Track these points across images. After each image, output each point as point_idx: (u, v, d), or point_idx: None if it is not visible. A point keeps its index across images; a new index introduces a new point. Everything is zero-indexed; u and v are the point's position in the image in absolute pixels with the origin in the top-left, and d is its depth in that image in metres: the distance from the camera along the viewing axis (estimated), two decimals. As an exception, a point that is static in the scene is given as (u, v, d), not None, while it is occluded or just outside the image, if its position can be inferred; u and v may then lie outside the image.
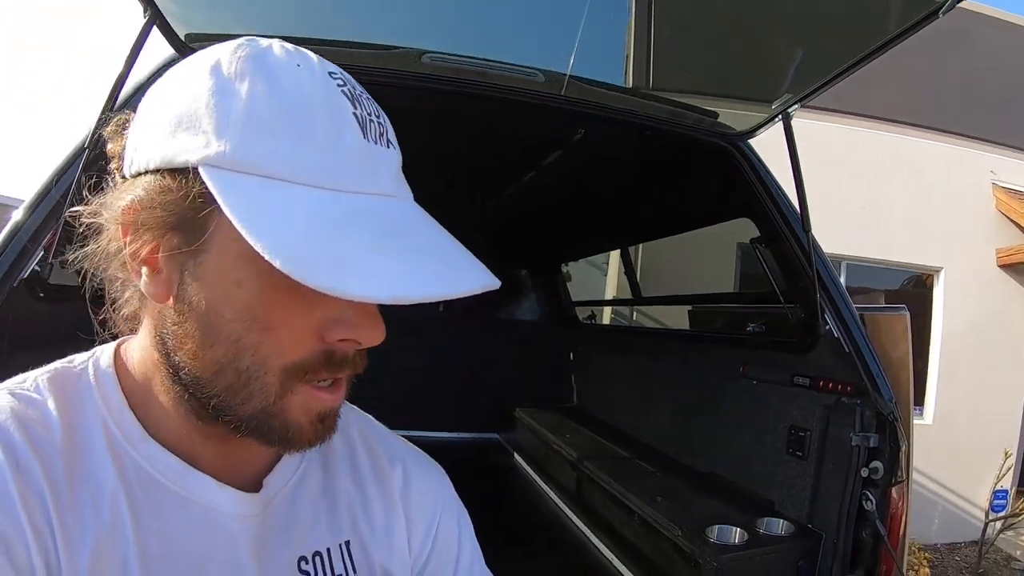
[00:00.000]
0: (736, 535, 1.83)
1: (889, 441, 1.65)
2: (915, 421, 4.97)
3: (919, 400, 5.63)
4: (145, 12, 1.38)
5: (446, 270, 0.45)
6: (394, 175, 0.49)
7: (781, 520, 1.88)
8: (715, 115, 1.92)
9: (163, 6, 1.37)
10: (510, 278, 4.60)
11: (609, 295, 5.18)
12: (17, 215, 1.39)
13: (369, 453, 0.65)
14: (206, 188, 0.43)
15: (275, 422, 0.48)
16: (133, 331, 0.55)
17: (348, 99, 0.46)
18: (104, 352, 0.55)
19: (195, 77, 0.45)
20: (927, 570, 4.43)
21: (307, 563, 0.56)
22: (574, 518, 2.70)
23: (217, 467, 0.53)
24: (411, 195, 0.51)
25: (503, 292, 4.24)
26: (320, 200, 0.43)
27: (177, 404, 0.50)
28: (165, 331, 0.48)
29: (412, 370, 3.53)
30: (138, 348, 0.53)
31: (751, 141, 1.95)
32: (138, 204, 0.46)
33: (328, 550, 0.58)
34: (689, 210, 2.69)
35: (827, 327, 1.78)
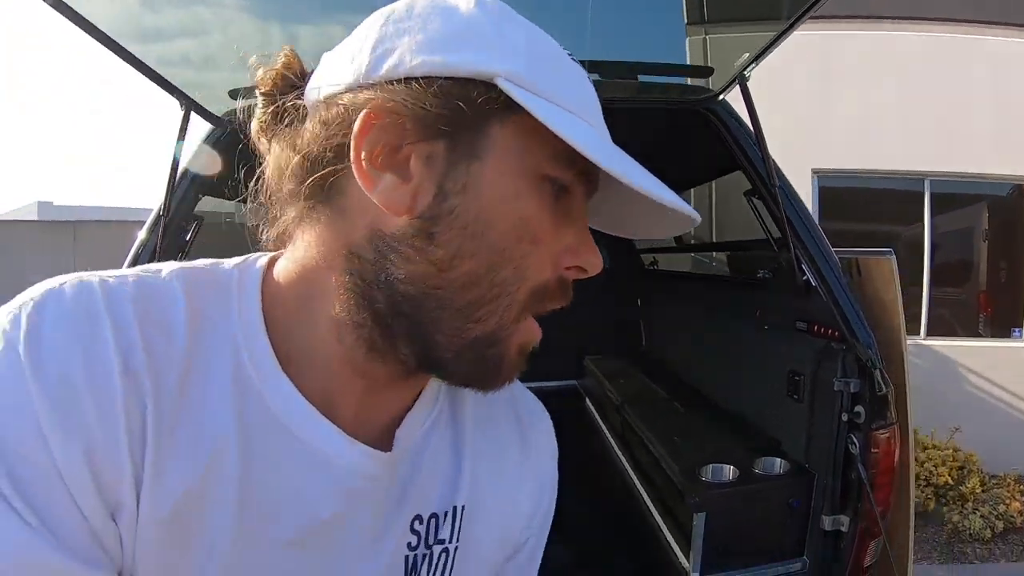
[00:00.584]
0: (729, 473, 1.92)
1: (869, 387, 1.66)
2: (1011, 343, 4.69)
3: (1016, 321, 5.25)
4: (181, 105, 1.74)
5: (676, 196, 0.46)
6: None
7: (779, 460, 1.95)
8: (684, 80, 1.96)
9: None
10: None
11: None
12: (141, 234, 1.78)
13: (511, 405, 0.63)
14: (487, 99, 0.43)
15: (494, 350, 0.47)
16: (276, 250, 0.52)
17: (572, 57, 0.49)
18: (257, 261, 0.51)
19: (458, 4, 0.46)
20: (1018, 503, 4.22)
21: (420, 523, 0.54)
22: (620, 455, 2.87)
23: (350, 416, 0.49)
24: None
25: None
26: (588, 127, 0.45)
27: (344, 335, 0.47)
28: (385, 244, 0.45)
29: None
30: (295, 270, 0.48)
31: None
32: (394, 108, 0.43)
33: (445, 513, 0.56)
34: (689, 170, 2.79)
35: (804, 276, 1.79)
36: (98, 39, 1.42)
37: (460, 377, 0.49)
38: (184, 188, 1.85)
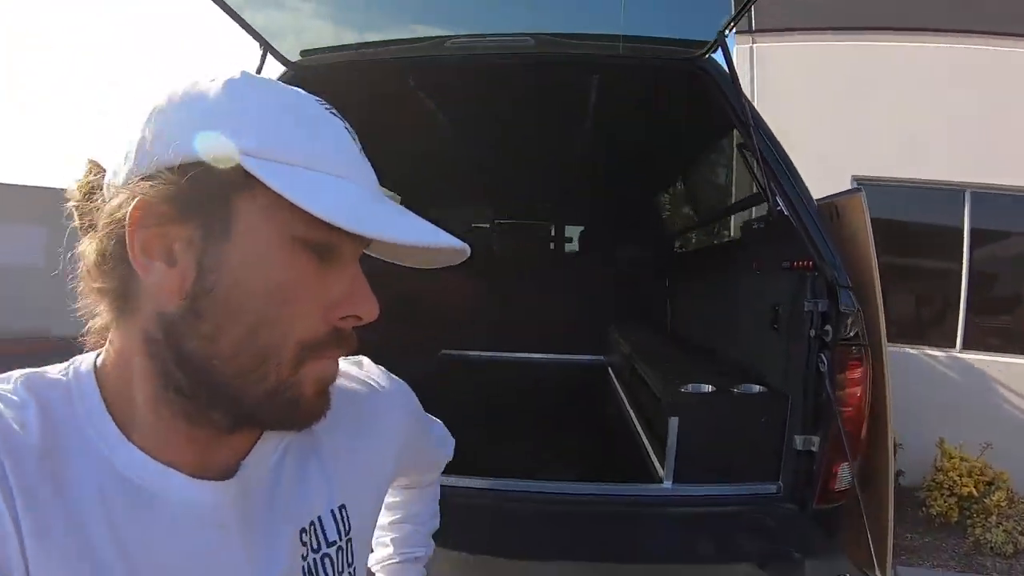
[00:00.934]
0: (707, 388, 2.03)
1: (835, 306, 1.76)
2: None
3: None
4: (261, 47, 2.15)
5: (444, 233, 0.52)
6: (370, 171, 0.56)
7: (758, 386, 2.04)
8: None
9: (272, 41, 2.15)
10: (611, 214, 5.08)
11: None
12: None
13: (345, 392, 0.67)
14: (231, 177, 0.47)
15: (286, 396, 0.51)
16: (98, 345, 0.55)
17: (327, 110, 0.54)
18: (84, 360, 0.54)
19: (198, 88, 0.50)
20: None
21: (307, 534, 0.59)
22: (625, 401, 2.99)
23: (196, 466, 0.53)
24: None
25: (607, 227, 4.66)
26: (337, 181, 0.49)
27: (161, 408, 0.51)
28: (169, 326, 0.49)
29: (533, 305, 4.43)
30: (113, 358, 0.52)
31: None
32: (154, 199, 0.47)
33: (320, 518, 0.60)
34: (685, 132, 2.90)
35: (778, 207, 1.90)
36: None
37: (272, 424, 0.55)
38: None
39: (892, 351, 4.96)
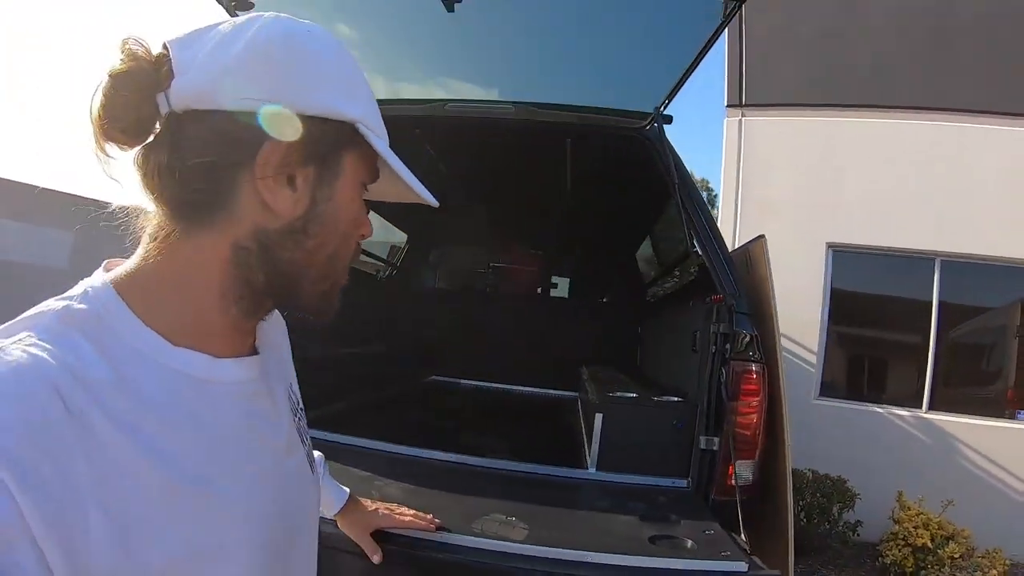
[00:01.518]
0: (630, 395, 2.41)
1: (734, 326, 2.15)
2: (1014, 424, 4.82)
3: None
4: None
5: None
6: None
7: (676, 397, 2.41)
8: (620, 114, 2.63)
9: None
10: (596, 267, 5.60)
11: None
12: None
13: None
14: (347, 136, 0.62)
15: (332, 296, 0.68)
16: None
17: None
18: (93, 285, 0.58)
19: (332, 49, 0.64)
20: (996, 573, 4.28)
21: (292, 393, 0.78)
22: (581, 419, 3.38)
23: (234, 349, 0.64)
24: None
25: (592, 280, 5.23)
26: (386, 146, 0.66)
27: (228, 307, 0.62)
28: (267, 239, 0.60)
29: (518, 342, 5.03)
30: (169, 265, 0.59)
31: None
32: (296, 137, 0.58)
33: (291, 384, 0.79)
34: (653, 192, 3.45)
35: (694, 248, 2.32)
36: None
37: (310, 310, 0.68)
38: None
39: (858, 409, 5.30)
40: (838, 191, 5.66)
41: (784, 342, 5.71)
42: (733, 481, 2.18)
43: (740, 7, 1.85)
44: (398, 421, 3.38)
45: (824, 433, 5.43)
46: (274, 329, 0.78)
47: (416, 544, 1.44)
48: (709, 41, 2.01)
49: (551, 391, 4.94)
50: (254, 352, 0.69)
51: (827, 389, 5.78)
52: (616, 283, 5.68)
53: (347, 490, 1.28)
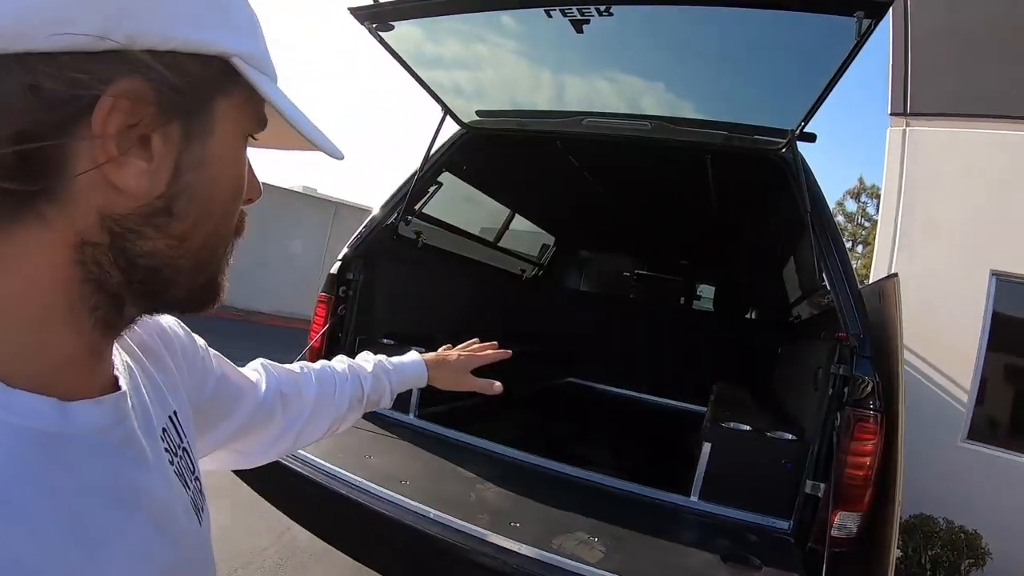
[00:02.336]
0: (744, 428, 2.35)
1: (854, 370, 2.03)
2: None
3: None
4: (443, 113, 2.88)
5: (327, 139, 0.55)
6: None
7: (790, 434, 2.32)
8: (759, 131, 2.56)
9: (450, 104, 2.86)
10: (741, 282, 5.54)
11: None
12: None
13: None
14: (219, 76, 0.45)
15: (215, 284, 0.52)
16: None
17: None
18: None
19: None
20: None
21: (164, 439, 0.56)
22: None
23: (84, 386, 0.47)
24: None
25: (736, 295, 5.17)
26: (279, 88, 0.51)
27: (82, 326, 0.44)
28: (119, 227, 0.43)
29: (656, 351, 5.08)
30: (7, 288, 0.41)
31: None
32: (142, 84, 0.40)
33: (169, 420, 0.59)
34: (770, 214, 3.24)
35: (823, 283, 2.21)
36: (401, 64, 2.49)
37: (186, 309, 0.52)
38: (434, 164, 2.97)
39: (1010, 459, 4.76)
40: (1007, 213, 5.04)
41: (933, 375, 5.24)
42: (834, 531, 2.09)
43: (874, 27, 1.75)
44: (524, 423, 3.52)
45: (967, 480, 4.93)
46: (162, 334, 0.66)
47: (494, 555, 1.53)
48: (845, 61, 1.91)
49: (684, 404, 4.93)
50: (114, 386, 0.51)
51: (977, 432, 5.22)
52: (760, 301, 5.50)
53: (419, 358, 1.16)
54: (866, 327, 2.08)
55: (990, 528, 4.48)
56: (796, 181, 2.37)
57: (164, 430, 0.57)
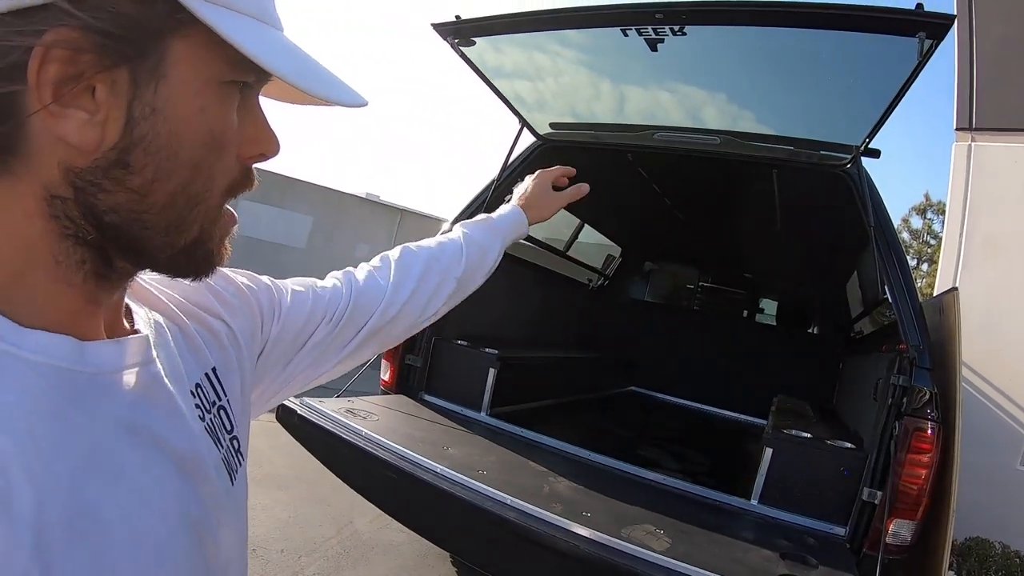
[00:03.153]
0: (804, 435, 2.41)
1: (912, 380, 2.08)
2: None
3: None
4: (520, 124, 3.05)
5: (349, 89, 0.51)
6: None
7: (849, 443, 2.38)
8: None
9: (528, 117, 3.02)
10: (804, 297, 5.65)
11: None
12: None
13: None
14: (166, 14, 0.41)
15: (203, 248, 0.50)
16: None
17: None
18: None
19: None
20: None
21: (194, 395, 0.56)
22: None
23: (99, 330, 0.49)
24: None
25: (799, 309, 5.28)
26: (262, 31, 0.46)
27: (72, 278, 0.45)
28: (81, 181, 0.42)
29: (719, 364, 5.18)
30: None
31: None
32: (77, 32, 0.39)
33: (205, 377, 0.59)
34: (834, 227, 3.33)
35: (884, 296, 2.26)
36: (481, 77, 2.64)
37: (176, 273, 0.51)
38: (508, 176, 3.12)
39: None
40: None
41: (994, 395, 5.13)
42: (889, 538, 2.14)
43: (936, 47, 1.81)
44: (589, 426, 3.66)
45: (1026, 506, 4.81)
46: (204, 291, 0.65)
47: (561, 538, 1.66)
48: (909, 79, 1.97)
49: (745, 416, 4.99)
50: (133, 332, 0.52)
51: (1037, 455, 5.10)
52: (822, 316, 5.54)
53: (516, 209, 1.16)
54: (925, 339, 2.13)
55: (1048, 554, 4.38)
56: (861, 196, 2.43)
57: (197, 385, 0.58)
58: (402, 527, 3.66)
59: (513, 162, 3.15)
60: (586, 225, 4.77)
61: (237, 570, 0.59)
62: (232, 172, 0.50)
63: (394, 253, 0.96)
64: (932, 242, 19.68)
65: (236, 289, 0.70)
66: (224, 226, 0.52)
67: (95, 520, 0.41)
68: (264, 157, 0.52)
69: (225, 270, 0.65)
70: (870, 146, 2.46)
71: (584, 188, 1.20)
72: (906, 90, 2.02)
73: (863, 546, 2.16)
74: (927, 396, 2.08)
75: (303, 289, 0.81)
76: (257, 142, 0.51)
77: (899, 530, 2.12)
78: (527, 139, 3.21)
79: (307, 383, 0.82)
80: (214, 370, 0.61)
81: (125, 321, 0.53)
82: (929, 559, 2.17)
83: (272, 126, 0.52)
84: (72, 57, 0.39)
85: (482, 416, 2.91)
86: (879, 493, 2.15)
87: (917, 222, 20.72)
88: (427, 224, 11.75)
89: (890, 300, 2.28)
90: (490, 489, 1.92)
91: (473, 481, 1.97)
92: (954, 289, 2.22)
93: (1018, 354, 5.00)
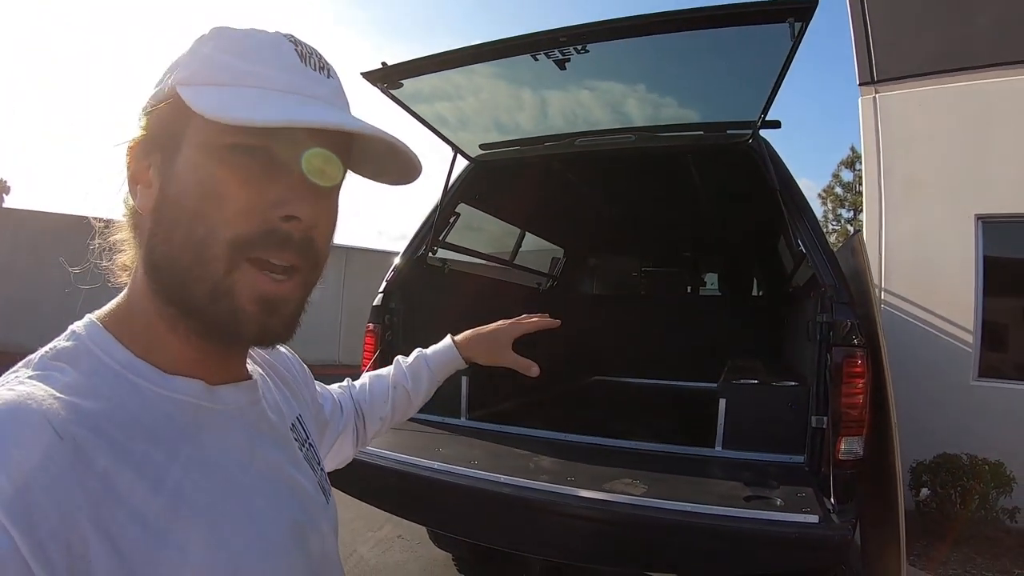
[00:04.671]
0: (752, 381, 2.70)
1: (833, 315, 2.38)
2: None
3: None
4: (453, 151, 3.31)
5: (337, 114, 0.59)
6: (332, 92, 0.61)
7: (792, 382, 2.67)
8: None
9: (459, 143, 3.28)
10: (740, 266, 6.00)
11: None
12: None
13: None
14: (178, 109, 0.55)
15: (223, 304, 0.56)
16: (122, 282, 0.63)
17: (290, 43, 0.59)
18: (80, 324, 0.59)
19: (187, 45, 0.60)
20: None
21: (294, 429, 0.74)
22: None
23: (222, 377, 0.63)
24: (349, 109, 0.63)
25: (738, 278, 5.72)
26: (260, 92, 0.56)
27: (178, 325, 0.58)
28: (149, 239, 0.58)
29: (672, 340, 5.50)
30: (135, 292, 0.60)
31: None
32: (137, 139, 0.59)
33: (297, 419, 0.76)
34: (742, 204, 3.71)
35: (799, 247, 2.57)
36: (412, 115, 2.90)
37: (216, 335, 0.59)
38: (450, 199, 3.38)
39: (1010, 388, 5.02)
40: (984, 159, 5.35)
41: (936, 322, 5.53)
42: (841, 456, 2.42)
43: (806, 27, 2.04)
44: (562, 414, 3.92)
45: (984, 417, 5.20)
46: (288, 364, 0.84)
47: (553, 500, 1.91)
48: (788, 58, 2.23)
49: (704, 384, 5.24)
50: (248, 378, 0.68)
51: (988, 370, 5.49)
52: (760, 280, 5.99)
53: (449, 340, 1.23)
54: (839, 277, 2.43)
55: (1012, 457, 4.74)
56: (764, 164, 2.74)
57: (292, 425, 0.74)
58: (404, 547, 3.87)
59: (451, 186, 3.41)
60: (528, 233, 5.07)
61: (335, 570, 0.72)
62: (245, 226, 0.55)
63: (362, 382, 1.16)
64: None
65: (299, 360, 0.88)
66: (251, 289, 0.56)
67: (218, 516, 0.55)
68: (299, 221, 0.57)
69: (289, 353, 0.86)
70: (767, 119, 2.78)
71: (534, 369, 1.22)
72: (788, 67, 2.31)
73: (820, 467, 2.44)
74: (848, 326, 2.37)
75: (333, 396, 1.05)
76: (285, 203, 0.56)
77: (850, 447, 2.40)
78: (462, 163, 3.47)
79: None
80: (300, 417, 0.77)
81: (245, 369, 0.69)
82: (883, 464, 2.46)
83: (309, 191, 0.58)
84: (138, 149, 0.59)
85: (463, 421, 3.15)
86: (825, 419, 2.43)
87: (848, 175, 21.54)
88: (373, 258, 11.66)
89: (803, 250, 2.58)
90: (483, 472, 2.17)
91: (468, 469, 2.21)
92: (858, 232, 2.54)
93: (952, 281, 5.42)
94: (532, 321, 1.27)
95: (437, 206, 3.36)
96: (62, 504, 0.44)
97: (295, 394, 0.80)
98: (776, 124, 2.89)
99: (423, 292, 3.38)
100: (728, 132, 2.98)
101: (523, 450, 2.59)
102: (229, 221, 0.55)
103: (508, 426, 3.01)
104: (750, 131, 2.85)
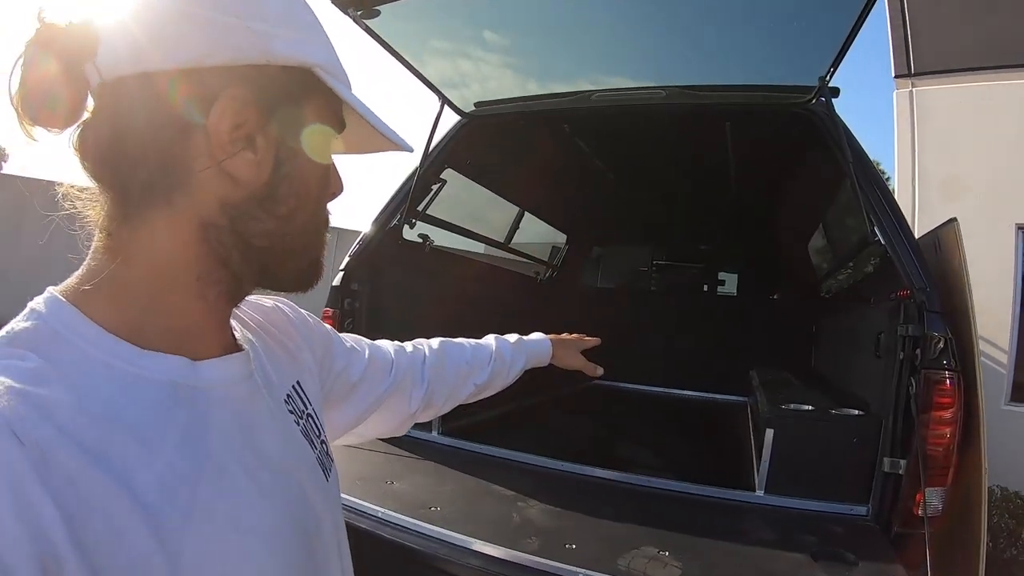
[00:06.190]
0: (806, 408, 2.15)
1: (925, 328, 1.82)
2: None
3: None
4: (440, 101, 2.68)
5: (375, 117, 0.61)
6: None
7: (856, 410, 2.12)
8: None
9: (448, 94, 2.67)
10: (766, 261, 5.37)
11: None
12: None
13: (258, 311, 0.73)
14: (304, 82, 0.55)
15: (317, 265, 0.62)
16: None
17: None
18: (39, 300, 0.50)
19: None
20: None
21: (288, 401, 0.66)
22: (750, 428, 3.12)
23: (210, 347, 0.56)
24: None
25: (762, 275, 4.87)
26: (351, 92, 0.59)
27: (207, 293, 0.54)
28: (236, 211, 0.53)
29: (683, 344, 4.90)
30: (145, 264, 0.51)
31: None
32: (247, 91, 0.51)
33: (293, 388, 0.68)
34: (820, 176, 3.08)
35: (875, 237, 2.00)
36: (390, 52, 2.31)
37: (294, 287, 0.62)
38: (434, 160, 2.79)
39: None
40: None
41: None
42: (920, 511, 1.87)
43: None
44: (555, 430, 3.31)
45: (1015, 445, 4.70)
46: (283, 323, 0.75)
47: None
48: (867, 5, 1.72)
49: (718, 396, 4.68)
50: (237, 350, 0.60)
51: (1020, 393, 5.01)
52: (788, 278, 5.19)
53: (547, 339, 1.31)
54: (931, 279, 1.87)
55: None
56: (833, 133, 2.17)
57: (288, 396, 0.66)
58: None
59: (436, 146, 2.81)
60: (529, 217, 4.41)
61: (337, 555, 0.66)
62: (328, 208, 0.63)
63: (435, 345, 1.09)
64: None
65: (302, 316, 0.80)
66: (325, 248, 0.63)
67: (208, 511, 0.48)
68: (334, 195, 0.64)
69: (289, 301, 0.79)
70: (829, 83, 2.22)
71: (599, 371, 1.38)
72: (867, 13, 1.77)
73: (891, 524, 1.89)
74: (942, 344, 1.82)
75: (359, 348, 0.93)
76: (336, 183, 0.63)
77: (931, 500, 1.86)
78: (450, 120, 2.88)
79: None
80: (298, 382, 0.69)
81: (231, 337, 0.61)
82: (965, 526, 1.92)
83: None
84: (240, 111, 0.51)
85: (433, 436, 2.52)
86: (902, 462, 1.88)
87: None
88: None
89: (882, 241, 2.02)
90: (445, 531, 1.58)
91: (422, 524, 1.62)
92: (952, 220, 1.97)
93: (989, 293, 4.91)
94: (593, 340, 1.43)
95: (416, 169, 2.75)
96: (31, 524, 0.38)
97: (292, 356, 0.72)
98: (836, 92, 2.32)
99: (394, 272, 2.78)
100: (780, 94, 2.41)
101: (506, 487, 1.99)
102: (327, 201, 0.62)
103: (490, 447, 2.40)
104: (810, 95, 2.29)
